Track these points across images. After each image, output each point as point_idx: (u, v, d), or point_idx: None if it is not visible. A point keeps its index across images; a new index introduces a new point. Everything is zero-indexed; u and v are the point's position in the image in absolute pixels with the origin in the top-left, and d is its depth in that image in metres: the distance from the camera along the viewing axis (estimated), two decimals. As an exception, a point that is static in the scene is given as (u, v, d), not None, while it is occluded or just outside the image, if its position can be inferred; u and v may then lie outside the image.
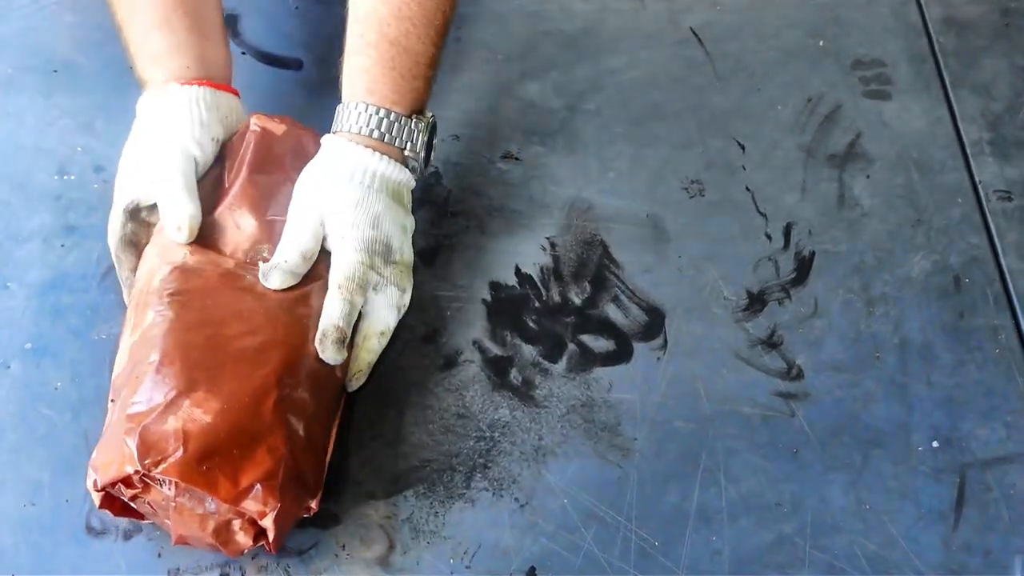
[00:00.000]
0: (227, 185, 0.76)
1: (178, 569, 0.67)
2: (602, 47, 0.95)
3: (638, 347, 0.77)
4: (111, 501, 0.66)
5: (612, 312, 0.79)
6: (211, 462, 0.62)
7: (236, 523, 0.64)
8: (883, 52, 0.95)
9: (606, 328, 0.78)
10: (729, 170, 0.87)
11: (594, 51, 0.95)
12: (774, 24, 0.97)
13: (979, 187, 0.86)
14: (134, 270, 0.74)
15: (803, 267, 0.81)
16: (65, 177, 0.85)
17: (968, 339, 0.78)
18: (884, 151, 0.88)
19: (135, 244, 0.75)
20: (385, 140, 0.75)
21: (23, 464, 0.71)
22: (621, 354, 0.77)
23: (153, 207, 0.74)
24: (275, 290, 0.71)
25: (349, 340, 0.71)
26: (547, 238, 0.83)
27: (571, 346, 0.77)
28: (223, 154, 0.77)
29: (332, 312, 0.70)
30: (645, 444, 0.73)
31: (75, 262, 0.80)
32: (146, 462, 0.61)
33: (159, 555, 0.68)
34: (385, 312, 0.74)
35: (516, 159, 0.88)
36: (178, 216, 0.72)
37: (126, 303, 0.74)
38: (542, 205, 0.85)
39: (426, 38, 0.77)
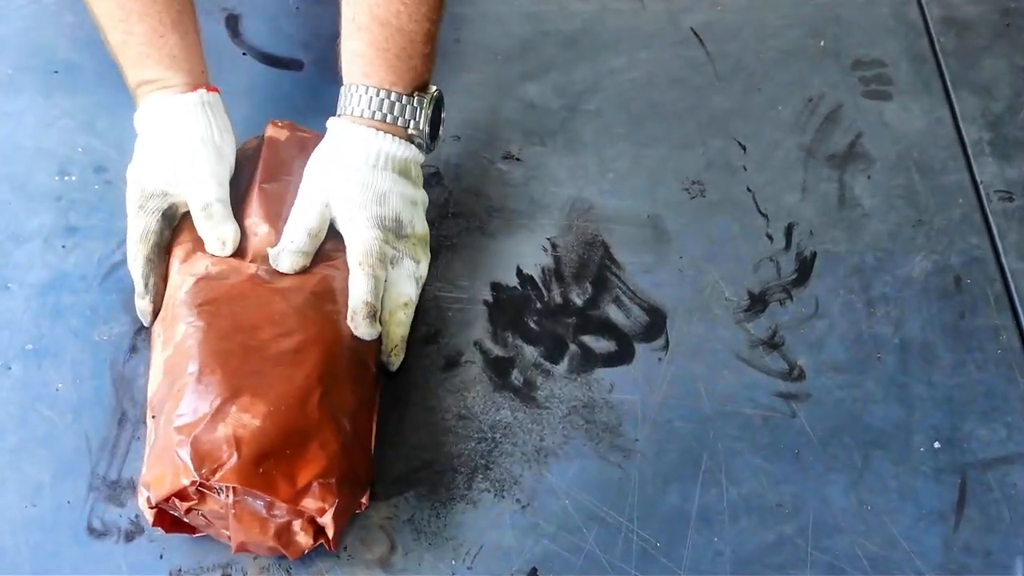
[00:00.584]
0: (241, 194, 0.76)
1: (180, 570, 0.67)
2: (602, 47, 0.95)
3: (639, 348, 0.77)
4: (162, 517, 0.65)
5: (613, 313, 0.79)
6: (267, 464, 0.62)
7: (296, 524, 0.64)
8: (883, 52, 0.95)
9: (607, 329, 0.78)
10: (730, 170, 0.87)
11: (594, 51, 0.95)
12: (774, 24, 0.97)
13: (980, 187, 0.86)
14: (164, 277, 0.73)
15: (804, 268, 0.81)
16: (65, 178, 0.84)
17: (969, 339, 0.78)
18: (884, 151, 0.88)
19: (166, 248, 0.74)
20: (387, 120, 0.75)
21: (24, 465, 0.71)
22: (622, 355, 0.77)
23: (186, 214, 0.75)
24: (289, 273, 0.71)
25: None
26: (548, 239, 0.83)
27: (572, 347, 0.77)
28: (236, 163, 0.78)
29: (358, 289, 0.71)
30: (646, 445, 0.73)
31: (76, 263, 0.80)
32: (202, 471, 0.61)
33: (160, 556, 0.68)
34: (405, 284, 0.75)
35: (516, 159, 0.88)
36: (223, 232, 0.73)
37: (142, 306, 0.73)
38: (542, 206, 0.85)
39: (418, 15, 0.75)
